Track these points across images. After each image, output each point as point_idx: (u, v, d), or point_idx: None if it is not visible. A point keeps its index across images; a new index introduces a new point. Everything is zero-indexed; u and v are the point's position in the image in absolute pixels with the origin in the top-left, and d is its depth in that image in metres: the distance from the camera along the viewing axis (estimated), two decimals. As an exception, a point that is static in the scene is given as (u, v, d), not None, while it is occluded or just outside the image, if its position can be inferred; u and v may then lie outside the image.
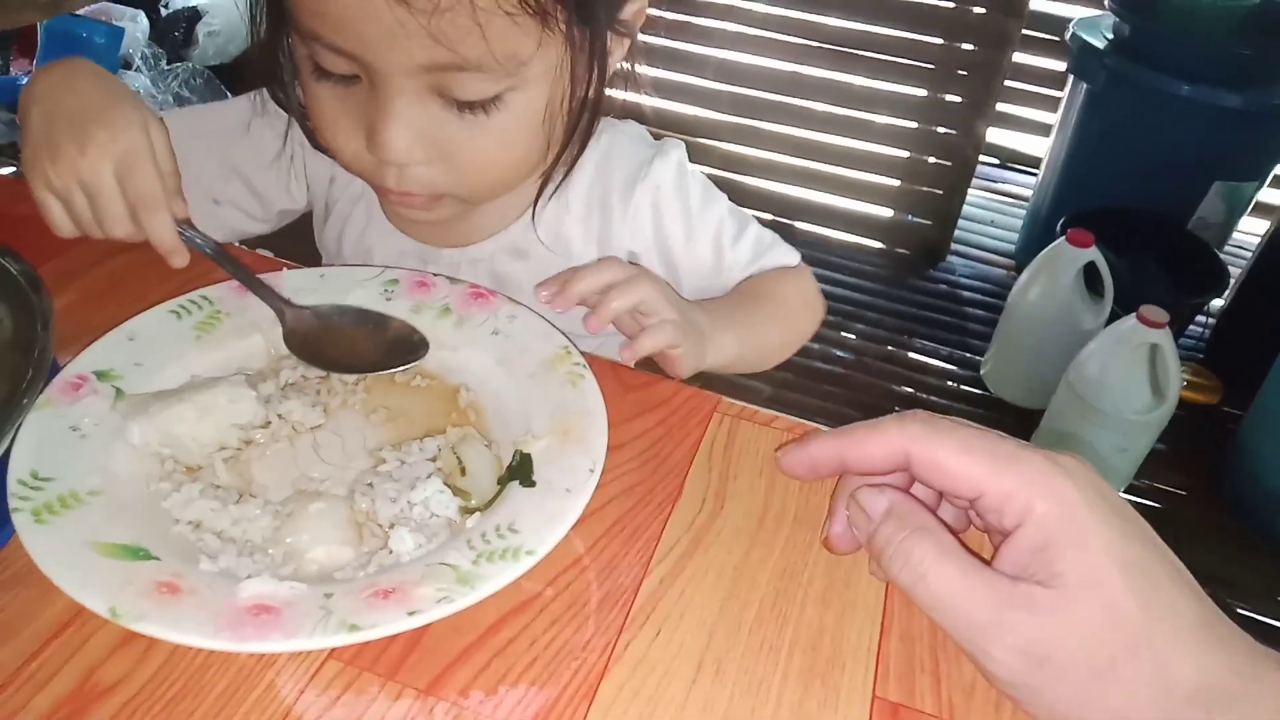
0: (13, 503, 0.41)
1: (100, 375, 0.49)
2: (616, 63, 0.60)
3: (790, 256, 0.72)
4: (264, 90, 0.63)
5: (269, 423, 0.49)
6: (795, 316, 0.73)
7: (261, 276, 0.56)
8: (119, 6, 2.32)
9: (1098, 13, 2.11)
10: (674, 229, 0.68)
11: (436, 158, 0.54)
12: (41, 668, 0.39)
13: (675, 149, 0.68)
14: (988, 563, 0.37)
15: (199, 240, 0.57)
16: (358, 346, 0.54)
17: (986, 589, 0.36)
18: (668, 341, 0.55)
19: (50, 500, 0.42)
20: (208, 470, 0.47)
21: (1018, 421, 1.84)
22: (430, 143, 0.53)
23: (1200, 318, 2.00)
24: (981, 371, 1.97)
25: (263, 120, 0.70)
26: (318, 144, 0.60)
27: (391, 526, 0.44)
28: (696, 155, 2.43)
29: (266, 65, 0.58)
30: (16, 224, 0.55)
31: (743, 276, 0.70)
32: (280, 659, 0.40)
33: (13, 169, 2.13)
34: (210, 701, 0.39)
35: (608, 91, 0.60)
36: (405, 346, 0.54)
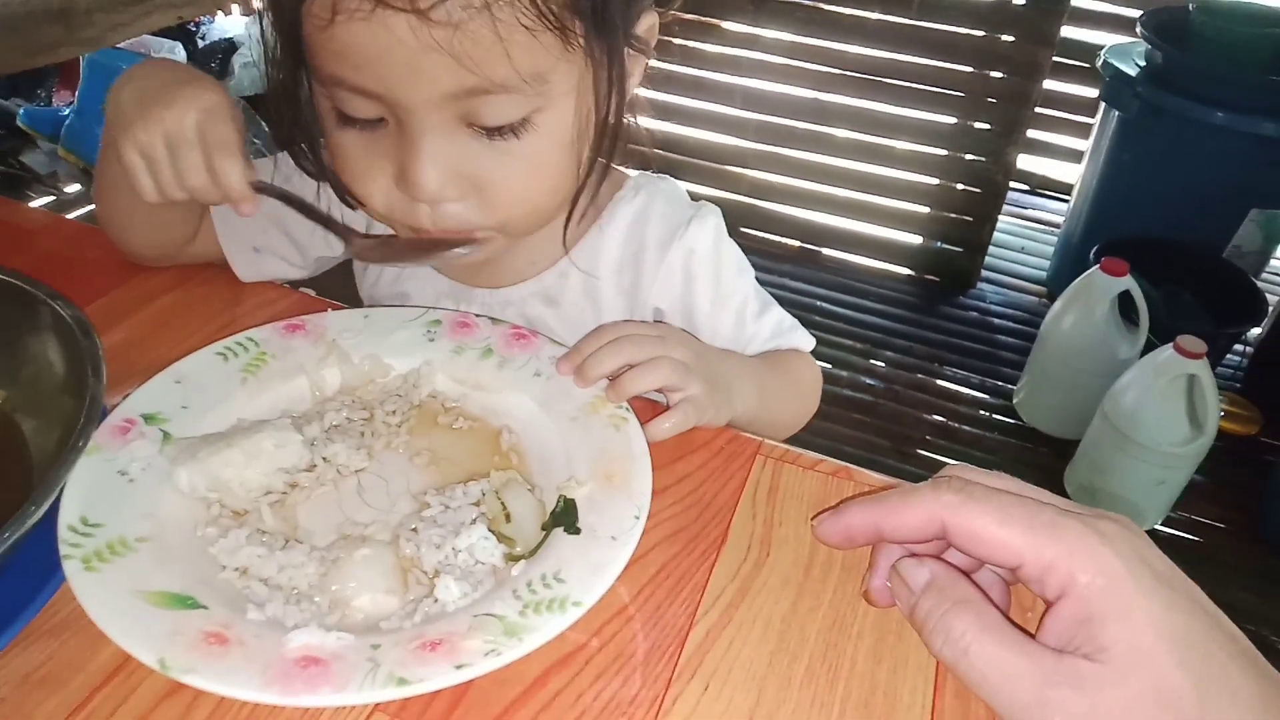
0: (63, 549, 0.41)
1: (148, 419, 0.49)
2: (637, 83, 0.60)
3: (806, 342, 0.73)
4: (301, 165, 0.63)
5: (314, 466, 0.49)
6: (804, 398, 0.73)
7: (306, 319, 0.57)
8: (157, 39, 2.37)
9: (1129, 40, 2.10)
10: (702, 294, 0.67)
11: (470, 192, 0.54)
12: (89, 718, 0.39)
13: (712, 214, 0.68)
14: (1031, 635, 0.37)
15: (264, 183, 0.58)
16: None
17: (1030, 664, 0.35)
18: (691, 423, 0.55)
19: (100, 547, 0.42)
20: (253, 515, 0.47)
21: (1051, 451, 1.82)
22: (462, 177, 0.53)
23: (1238, 347, 1.97)
24: (1014, 400, 1.95)
25: (299, 173, 0.70)
26: (348, 201, 0.60)
27: (436, 574, 0.44)
28: (725, 182, 2.43)
29: (288, 131, 0.59)
30: (66, 267, 0.56)
31: (759, 352, 0.70)
32: (326, 712, 0.40)
33: (53, 198, 2.18)
34: (257, 754, 0.38)
35: (632, 118, 0.60)
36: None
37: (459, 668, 0.38)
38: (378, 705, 0.40)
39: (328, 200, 0.62)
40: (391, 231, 0.60)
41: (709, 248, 0.67)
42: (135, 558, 0.42)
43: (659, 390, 0.55)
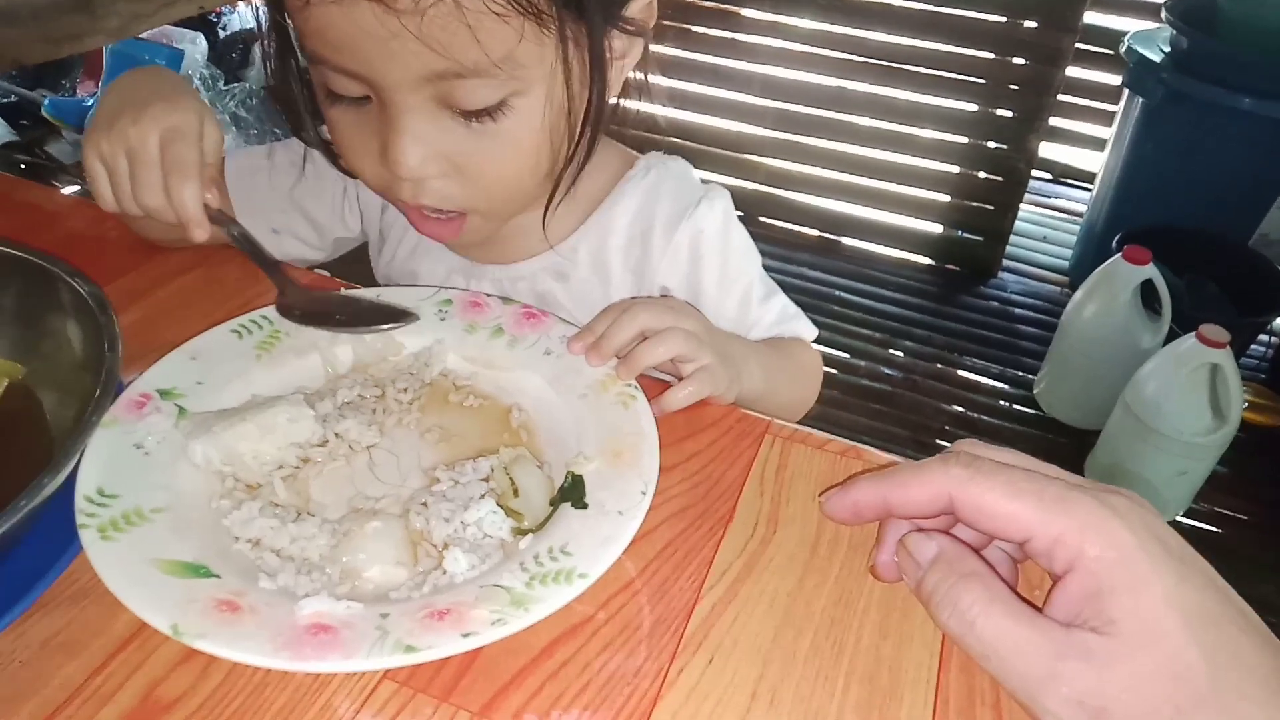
0: (80, 519, 0.42)
1: (164, 394, 0.50)
2: (632, 65, 0.60)
3: (808, 331, 0.73)
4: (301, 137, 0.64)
5: (326, 441, 0.50)
6: (806, 384, 0.73)
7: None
8: (179, 30, 2.39)
9: (1153, 25, 2.07)
10: (709, 275, 0.68)
11: (451, 171, 0.54)
12: (106, 682, 0.40)
13: (721, 197, 0.68)
14: (1039, 609, 0.37)
15: (221, 216, 0.58)
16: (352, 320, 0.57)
17: (1039, 637, 0.35)
18: (706, 392, 0.55)
19: (115, 517, 0.42)
20: (266, 488, 0.47)
21: (1072, 442, 1.80)
22: (443, 156, 0.54)
23: (1263, 337, 1.95)
24: (1035, 391, 1.93)
25: (319, 154, 0.71)
26: (342, 169, 0.61)
27: (445, 546, 0.45)
28: (743, 171, 2.42)
29: (285, 101, 0.59)
30: (86, 245, 0.57)
31: (762, 337, 0.71)
32: (336, 678, 0.41)
33: (78, 188, 2.21)
34: (268, 719, 0.39)
35: (619, 100, 0.60)
36: (395, 315, 0.56)
37: (466, 636, 0.38)
38: (387, 673, 0.41)
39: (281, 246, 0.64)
40: (329, 293, 0.60)
41: (717, 229, 0.67)
42: (150, 528, 0.43)
43: (672, 361, 0.56)
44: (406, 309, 0.57)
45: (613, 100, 0.60)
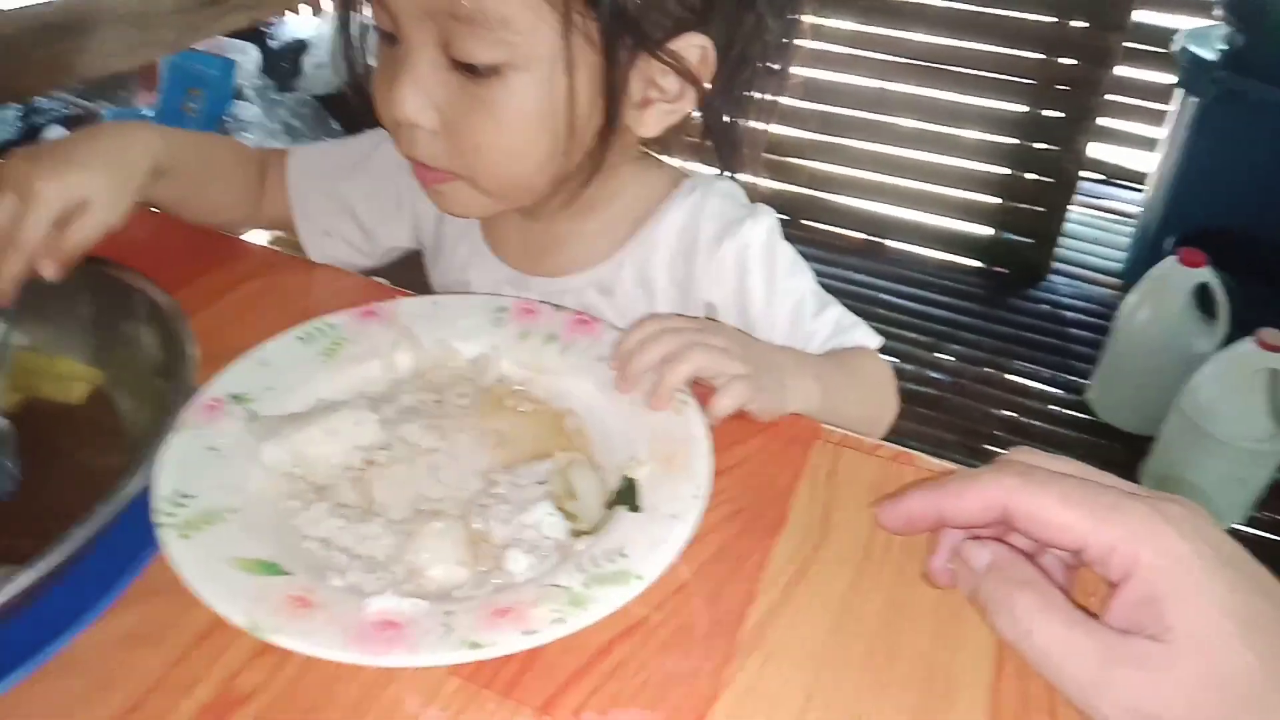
0: (159, 519, 0.44)
1: (235, 398, 0.52)
2: (682, 113, 0.60)
3: (871, 340, 0.70)
4: (378, 130, 0.65)
5: (389, 444, 0.52)
6: (874, 394, 0.70)
7: (379, 305, 0.59)
8: (231, 41, 2.45)
9: (1207, 23, 2.03)
10: (756, 289, 0.67)
11: (441, 129, 0.56)
12: (185, 674, 0.42)
13: (767, 215, 0.68)
14: (1094, 616, 0.37)
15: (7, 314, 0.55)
16: None
17: (1094, 643, 0.35)
18: (739, 401, 0.54)
19: (192, 517, 0.44)
20: (333, 489, 0.49)
21: (1125, 447, 1.77)
22: (437, 109, 0.55)
23: (1324, 340, 1.90)
24: (1086, 395, 1.91)
25: (379, 157, 0.73)
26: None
27: (505, 547, 0.46)
28: (785, 174, 2.41)
29: (347, 40, 0.61)
30: (156, 255, 0.59)
31: (821, 349, 0.69)
32: (404, 674, 0.42)
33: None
34: (339, 712, 0.40)
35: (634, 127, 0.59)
36: None
37: (527, 634, 0.39)
38: (452, 668, 0.42)
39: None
40: None
41: (763, 245, 0.67)
42: (225, 527, 0.44)
43: (701, 380, 0.55)
44: None
45: (647, 133, 0.60)
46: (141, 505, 0.44)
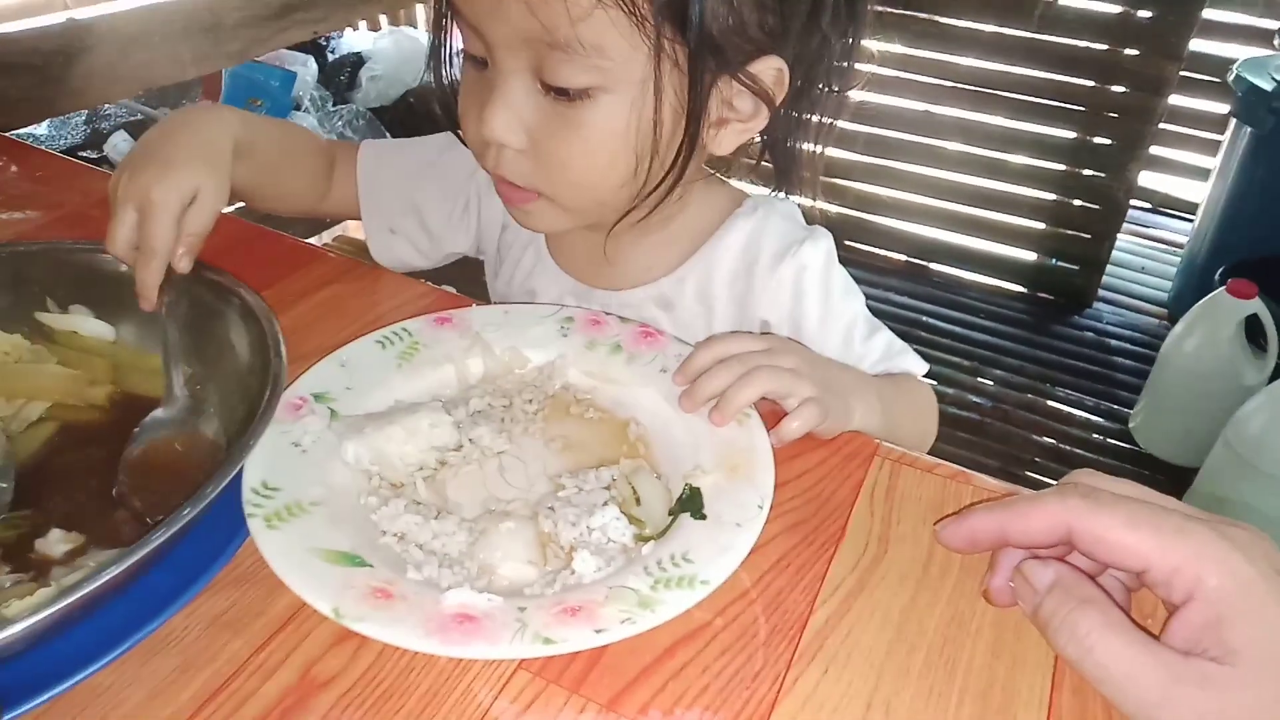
0: (248, 509, 0.46)
1: (318, 397, 0.54)
2: (754, 130, 0.61)
3: (918, 366, 0.72)
4: (451, 134, 0.68)
5: (461, 446, 0.53)
6: (922, 417, 0.72)
7: (453, 313, 0.61)
8: (291, 53, 2.52)
9: (1266, 53, 2.02)
10: (811, 310, 0.69)
11: (529, 147, 0.57)
12: (268, 658, 0.44)
13: (825, 238, 0.69)
14: (1156, 637, 0.37)
15: (171, 304, 0.58)
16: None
17: (1156, 663, 0.35)
18: (810, 425, 0.55)
19: (279, 508, 0.47)
20: (409, 487, 0.51)
21: (1169, 479, 1.75)
22: (526, 128, 0.57)
23: (1378, 376, 1.86)
24: (1131, 425, 1.89)
25: (448, 163, 0.76)
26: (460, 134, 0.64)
27: (572, 549, 0.47)
28: (831, 195, 2.41)
29: (437, 59, 0.63)
30: (239, 259, 0.62)
31: (870, 373, 0.70)
32: (476, 666, 0.44)
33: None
34: (415, 701, 0.42)
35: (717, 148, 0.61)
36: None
37: (598, 632, 0.41)
38: (521, 662, 0.44)
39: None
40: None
41: (820, 267, 0.68)
42: (309, 519, 0.46)
43: (770, 400, 0.56)
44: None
45: (721, 152, 0.62)
46: (232, 495, 0.46)
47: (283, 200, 0.76)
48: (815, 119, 0.66)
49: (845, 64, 0.65)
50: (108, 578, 0.39)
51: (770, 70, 0.58)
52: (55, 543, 0.46)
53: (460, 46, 0.59)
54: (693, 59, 0.54)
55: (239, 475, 0.47)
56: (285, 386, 0.53)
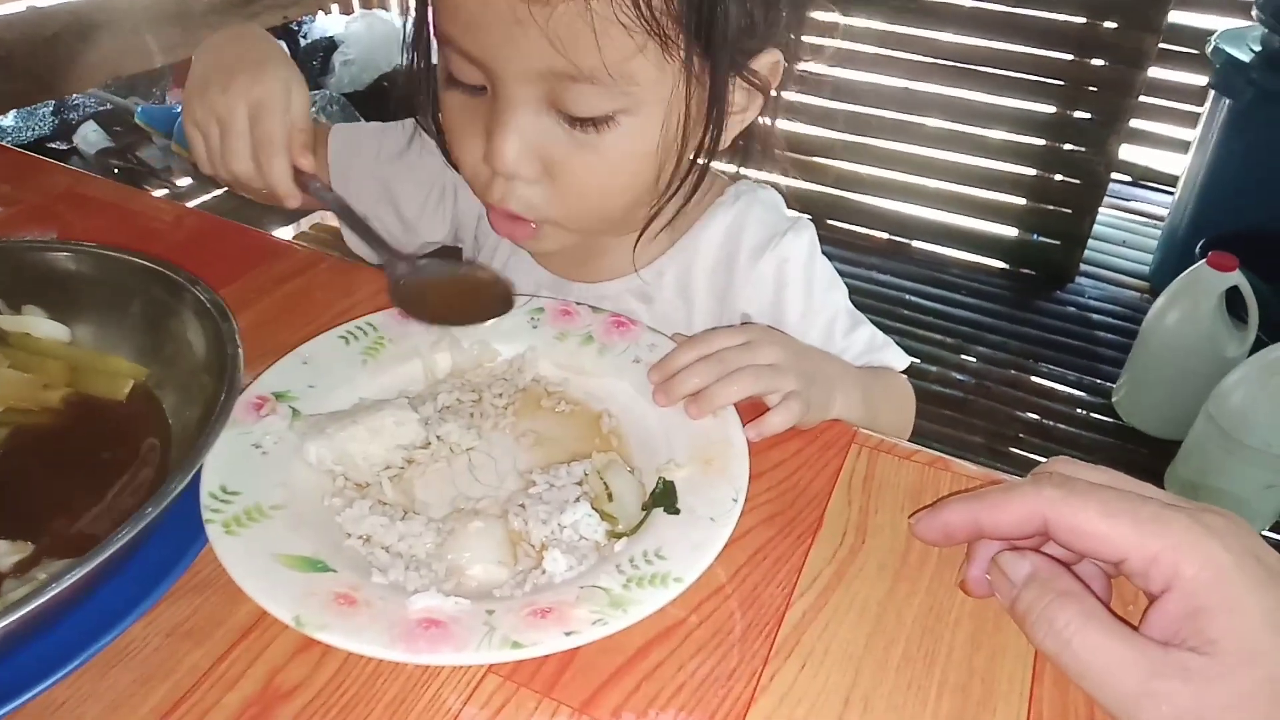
0: (206, 515, 0.45)
1: (279, 396, 0.52)
2: (748, 120, 0.60)
3: (899, 360, 0.72)
4: (412, 120, 0.66)
5: (429, 443, 0.52)
6: (902, 412, 0.71)
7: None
8: (264, 38, 2.48)
9: (1243, 24, 2.01)
10: (792, 303, 0.68)
11: (543, 175, 0.55)
12: (230, 668, 0.42)
13: (808, 229, 0.68)
14: (1135, 628, 0.37)
15: (317, 186, 0.61)
16: (453, 302, 0.59)
17: (1135, 655, 0.35)
18: (793, 420, 0.54)
19: (238, 513, 0.45)
20: (374, 488, 0.50)
21: (1152, 452, 1.76)
22: (539, 158, 0.54)
23: (1357, 346, 1.87)
24: (1113, 399, 1.89)
25: (420, 150, 0.74)
26: (448, 158, 0.62)
27: (543, 548, 0.46)
28: (811, 174, 2.41)
29: (412, 85, 0.61)
30: (199, 254, 0.60)
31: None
32: (444, 672, 0.42)
33: (168, 191, 2.30)
34: (381, 709, 0.41)
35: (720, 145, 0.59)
36: (494, 302, 0.59)
37: (568, 634, 0.40)
38: (491, 667, 0.43)
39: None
40: (435, 263, 0.61)
41: (803, 260, 0.67)
42: (270, 524, 0.45)
43: (750, 398, 0.55)
44: (501, 291, 0.59)
45: (721, 145, 0.60)
46: (189, 500, 0.45)
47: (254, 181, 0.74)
48: (782, 96, 0.64)
49: (796, 37, 0.63)
50: (58, 590, 0.37)
51: (769, 62, 0.58)
52: (3, 555, 0.44)
53: (446, 70, 0.56)
54: (715, 68, 0.53)
55: (197, 479, 0.46)
56: (244, 386, 0.52)
